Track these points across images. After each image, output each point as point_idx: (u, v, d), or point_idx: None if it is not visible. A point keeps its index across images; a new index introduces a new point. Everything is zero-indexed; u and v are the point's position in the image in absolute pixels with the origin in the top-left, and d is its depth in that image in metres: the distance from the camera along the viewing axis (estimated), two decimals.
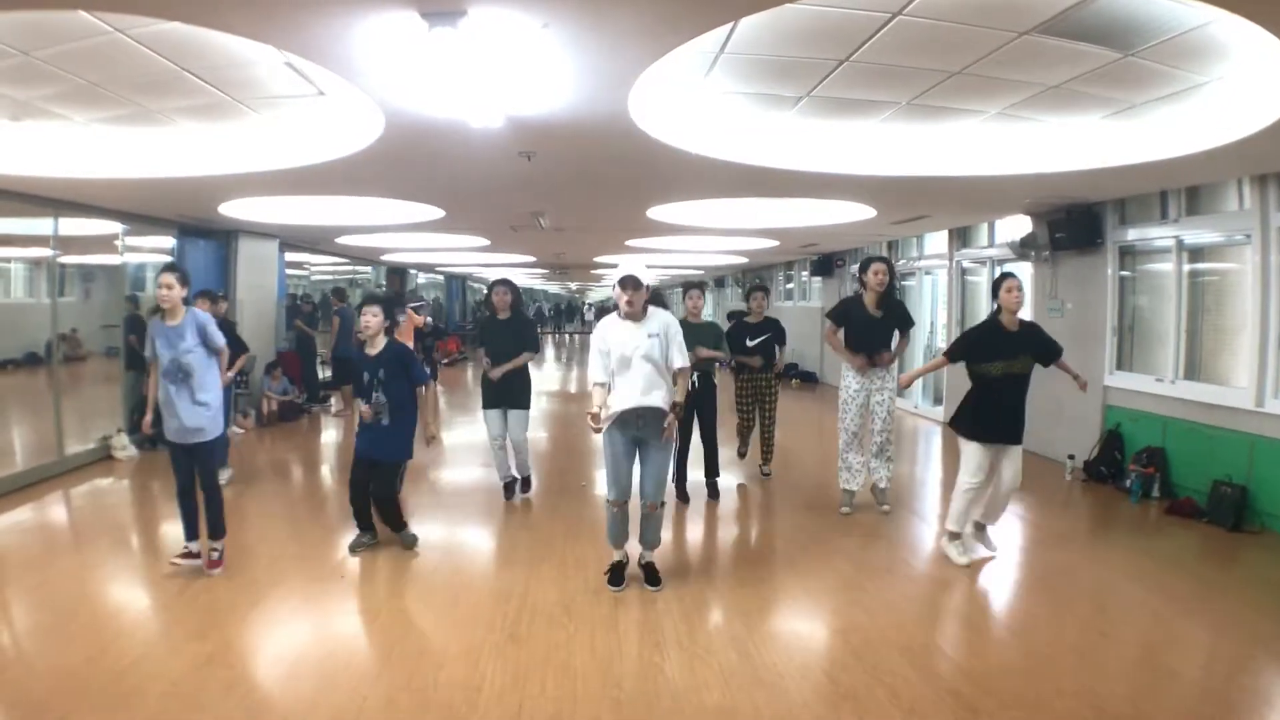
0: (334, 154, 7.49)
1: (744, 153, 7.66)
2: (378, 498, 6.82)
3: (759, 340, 9.35)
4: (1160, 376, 9.24)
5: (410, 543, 6.98)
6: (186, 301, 6.40)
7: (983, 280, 13.47)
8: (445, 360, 9.04)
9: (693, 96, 6.47)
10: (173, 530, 7.82)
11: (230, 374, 6.99)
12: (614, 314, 6.04)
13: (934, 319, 15.64)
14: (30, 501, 8.58)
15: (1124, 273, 10.20)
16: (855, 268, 8.39)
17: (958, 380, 8.16)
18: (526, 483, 8.93)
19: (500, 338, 8.36)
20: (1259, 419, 7.97)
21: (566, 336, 48.90)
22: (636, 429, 5.95)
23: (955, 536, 6.85)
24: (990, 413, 6.63)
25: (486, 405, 8.53)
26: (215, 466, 6.59)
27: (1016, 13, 4.76)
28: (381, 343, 6.75)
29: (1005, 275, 6.75)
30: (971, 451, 6.69)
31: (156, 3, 4.31)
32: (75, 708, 4.36)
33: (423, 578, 6.44)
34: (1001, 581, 6.71)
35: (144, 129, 7.24)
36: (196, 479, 6.39)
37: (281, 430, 13.40)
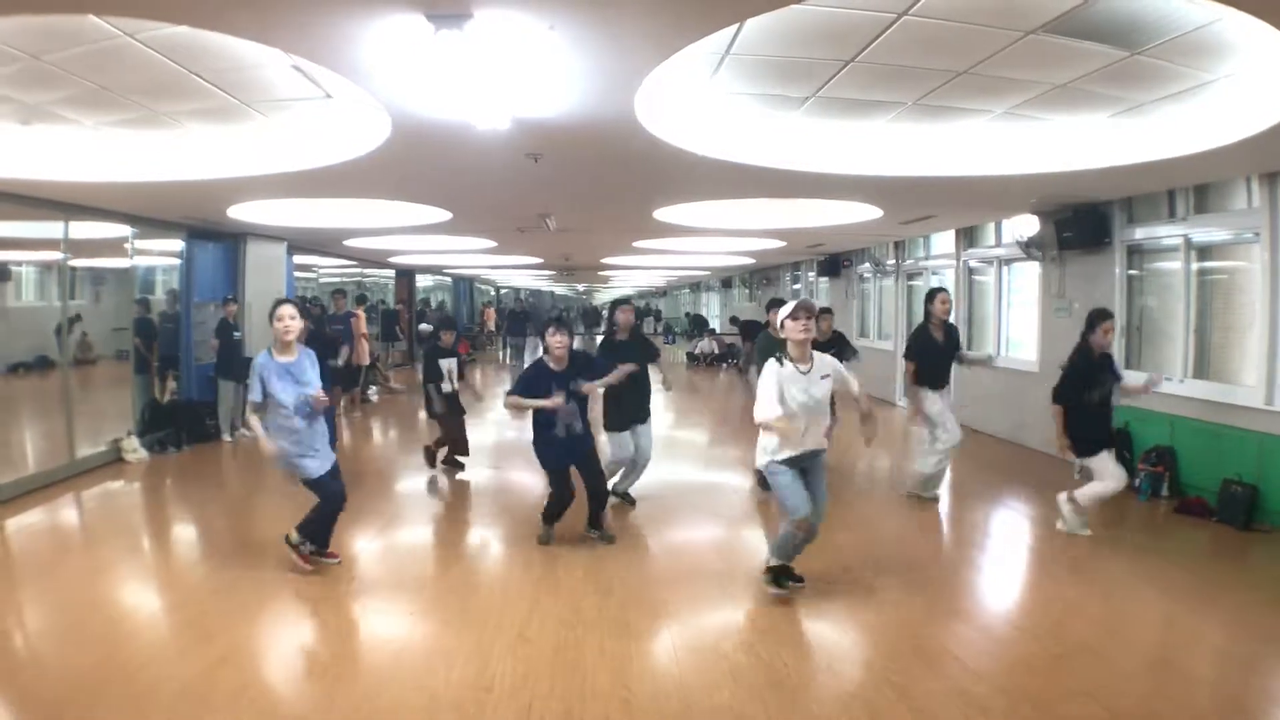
0: (341, 156, 7.50)
1: (751, 154, 7.65)
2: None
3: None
4: (1169, 375, 9.21)
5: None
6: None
7: (990, 280, 13.45)
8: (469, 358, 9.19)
9: (699, 98, 6.48)
10: (184, 532, 7.90)
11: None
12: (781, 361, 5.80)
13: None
14: (42, 504, 8.60)
15: (1132, 272, 10.17)
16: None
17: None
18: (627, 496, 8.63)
19: (625, 360, 7.80)
20: (1269, 418, 7.94)
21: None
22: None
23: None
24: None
25: (615, 428, 8.15)
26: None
27: (1022, 12, 4.76)
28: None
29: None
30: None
31: (165, 6, 4.33)
32: (88, 709, 4.39)
33: (432, 579, 6.45)
34: (1011, 581, 6.71)
35: (152, 132, 7.27)
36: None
37: None
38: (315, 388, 6.17)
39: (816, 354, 5.89)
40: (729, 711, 4.46)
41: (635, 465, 8.31)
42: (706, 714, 4.44)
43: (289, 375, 6.11)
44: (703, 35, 4.70)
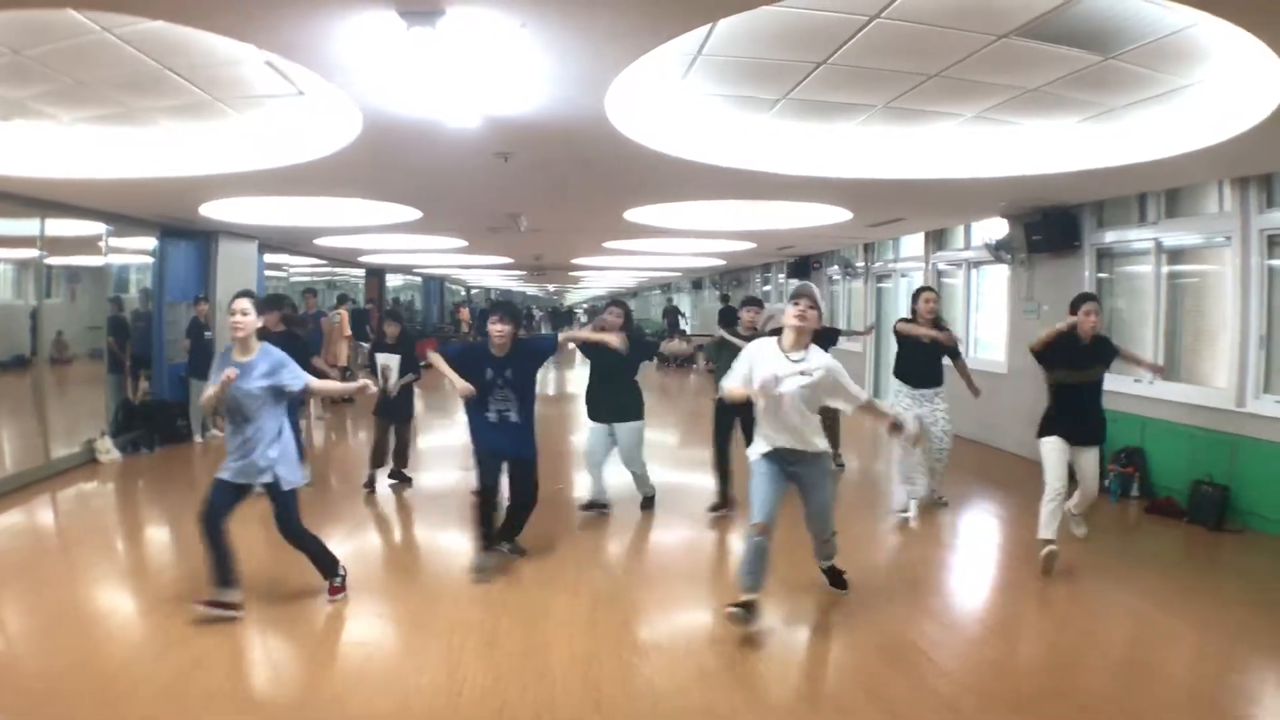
0: (312, 154, 7.45)
1: (722, 155, 7.66)
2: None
3: None
4: (1139, 377, 9.26)
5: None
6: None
7: (959, 282, 13.52)
8: (424, 363, 9.06)
9: (671, 98, 6.48)
10: (158, 534, 7.84)
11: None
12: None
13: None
14: (17, 506, 8.51)
15: (1101, 275, 10.24)
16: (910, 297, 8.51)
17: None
18: (649, 501, 8.36)
19: (614, 359, 7.72)
20: (1240, 419, 8.01)
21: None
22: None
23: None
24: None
25: (590, 417, 8.11)
26: None
27: (995, 16, 4.77)
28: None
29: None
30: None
31: (141, 1, 4.30)
32: (63, 712, 4.35)
33: (401, 582, 6.42)
34: (981, 581, 6.74)
35: (127, 129, 7.22)
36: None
37: None
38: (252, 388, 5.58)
39: (815, 349, 5.47)
40: (700, 712, 4.45)
41: (630, 472, 8.18)
42: (677, 714, 4.44)
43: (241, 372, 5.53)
44: (674, 35, 4.69)
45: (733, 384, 5.48)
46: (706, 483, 8.66)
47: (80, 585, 6.32)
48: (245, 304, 5.63)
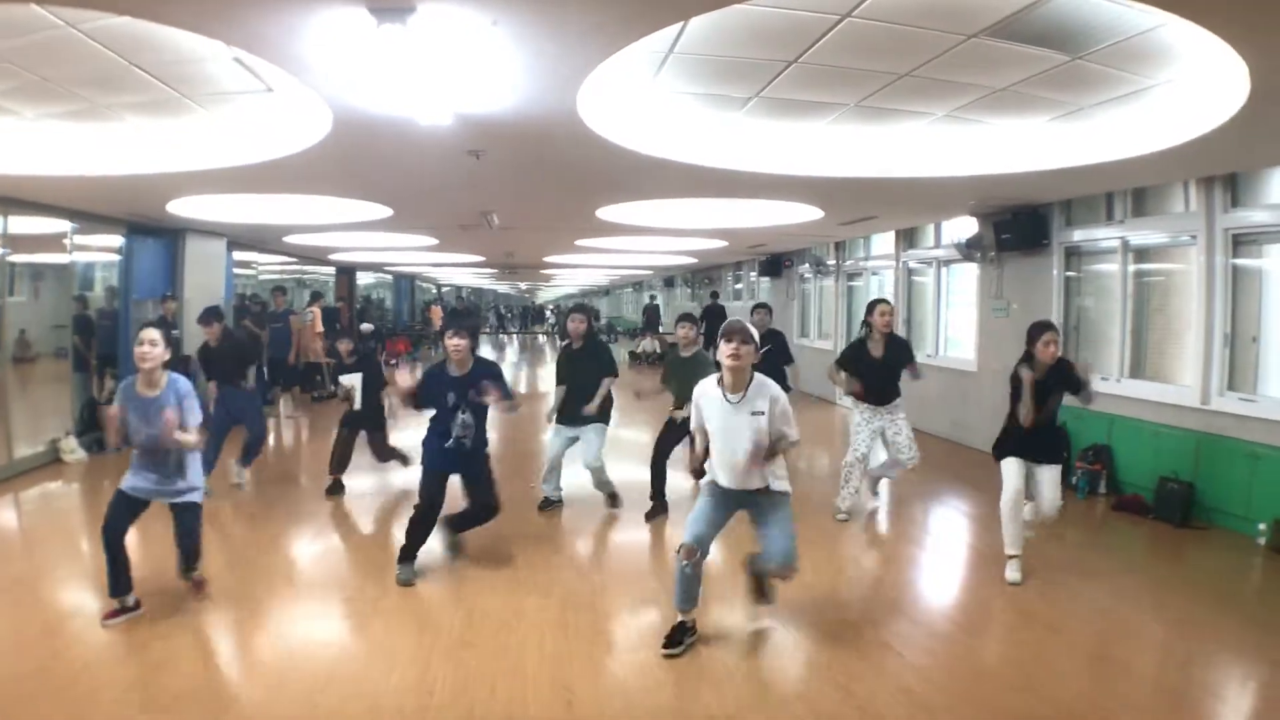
0: (281, 152, 7.40)
1: (694, 153, 7.67)
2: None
3: None
4: (1106, 375, 9.36)
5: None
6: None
7: (929, 281, 13.59)
8: (393, 361, 8.88)
9: (642, 96, 6.47)
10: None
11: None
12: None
13: None
14: None
15: (1070, 273, 10.34)
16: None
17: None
18: (614, 499, 8.34)
19: (580, 369, 7.92)
20: (1205, 416, 8.11)
21: (529, 338, 48.58)
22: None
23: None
24: None
25: (558, 419, 8.09)
26: None
27: (965, 16, 4.79)
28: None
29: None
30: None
31: None
32: (25, 715, 4.29)
33: (371, 582, 6.38)
34: (950, 579, 6.77)
35: (93, 125, 7.13)
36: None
37: (236, 432, 13.21)
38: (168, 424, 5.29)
39: (760, 381, 5.03)
40: (671, 711, 4.46)
41: (591, 470, 8.13)
42: (649, 714, 4.44)
43: (143, 412, 5.41)
44: (646, 33, 4.68)
45: (697, 435, 5.21)
46: (679, 484, 8.68)
47: (44, 586, 6.26)
48: (154, 334, 5.44)
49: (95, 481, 9.61)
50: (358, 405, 8.80)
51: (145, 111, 6.78)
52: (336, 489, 8.97)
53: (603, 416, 8.02)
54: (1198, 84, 5.73)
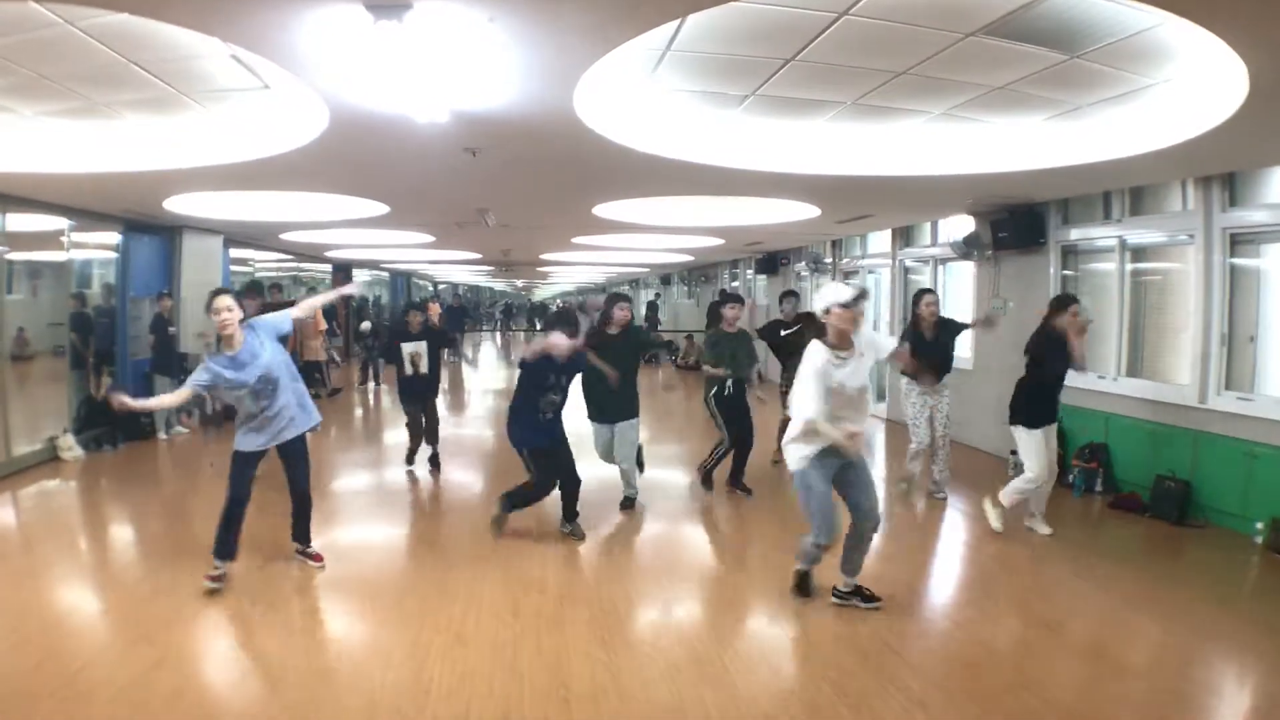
0: (278, 149, 7.38)
1: (691, 151, 7.65)
2: None
3: None
4: (1103, 374, 9.36)
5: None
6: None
7: (925, 279, 13.57)
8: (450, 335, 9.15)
9: (639, 94, 6.46)
10: (121, 532, 7.74)
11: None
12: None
13: (877, 316, 15.75)
14: None
15: (1066, 272, 10.32)
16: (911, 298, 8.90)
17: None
18: (629, 501, 8.35)
19: (618, 355, 7.80)
20: (1202, 415, 8.10)
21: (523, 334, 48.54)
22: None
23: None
24: None
25: (593, 417, 8.13)
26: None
27: (963, 14, 4.79)
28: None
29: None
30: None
31: None
32: (25, 712, 4.29)
33: (367, 580, 6.38)
34: (946, 576, 6.78)
35: (90, 122, 7.12)
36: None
37: (228, 429, 13.20)
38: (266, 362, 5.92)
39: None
40: (667, 708, 4.46)
41: (621, 468, 8.18)
42: (645, 711, 4.44)
43: (239, 364, 5.83)
44: (643, 31, 4.67)
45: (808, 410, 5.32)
46: (677, 479, 8.68)
47: (42, 584, 6.24)
48: (228, 300, 5.83)
49: (93, 479, 9.62)
50: (424, 370, 9.63)
51: (143, 109, 6.77)
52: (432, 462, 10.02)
53: (635, 409, 8.08)
54: (1196, 83, 5.73)
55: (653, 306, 29.68)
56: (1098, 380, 9.33)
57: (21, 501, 8.67)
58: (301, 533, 6.57)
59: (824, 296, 5.36)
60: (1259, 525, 7.32)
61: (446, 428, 11.08)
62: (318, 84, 5.59)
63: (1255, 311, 8.00)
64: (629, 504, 8.27)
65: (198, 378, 5.80)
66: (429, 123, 6.35)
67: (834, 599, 5.83)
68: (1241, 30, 4.42)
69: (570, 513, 7.36)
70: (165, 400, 6.23)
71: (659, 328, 27.62)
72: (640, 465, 8.42)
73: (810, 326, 8.27)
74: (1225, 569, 6.91)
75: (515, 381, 7.28)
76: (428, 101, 5.91)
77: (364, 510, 8.49)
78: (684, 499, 8.79)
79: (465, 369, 10.72)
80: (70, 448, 10.47)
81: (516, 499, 7.21)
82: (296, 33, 4.60)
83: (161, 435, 11.90)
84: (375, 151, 7.56)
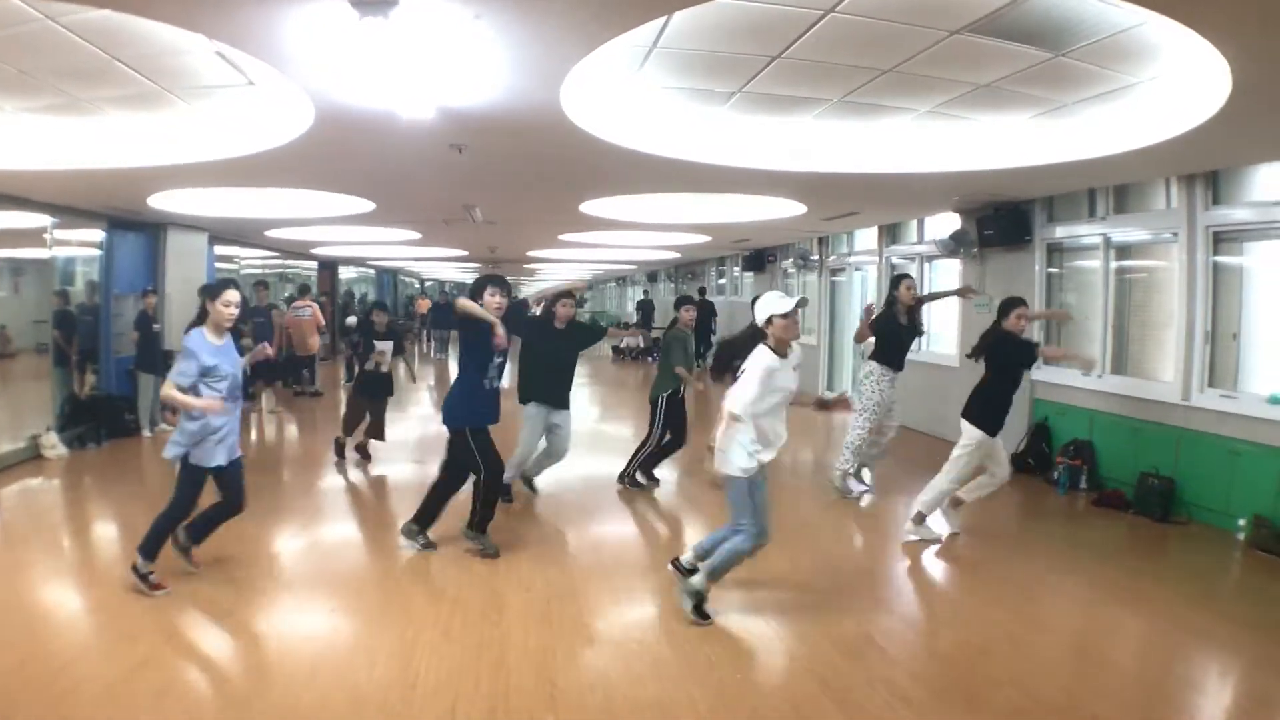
0: (263, 145, 7.37)
1: (677, 148, 7.67)
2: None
3: None
4: (1087, 371, 9.40)
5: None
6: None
7: (912, 276, 13.62)
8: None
9: (626, 91, 6.46)
10: (105, 530, 7.70)
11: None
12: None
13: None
14: None
15: (1052, 269, 10.38)
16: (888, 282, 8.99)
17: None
18: (529, 482, 8.53)
19: (560, 349, 7.97)
20: (1186, 412, 8.15)
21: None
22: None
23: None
24: None
25: (531, 399, 7.96)
26: None
27: (948, 12, 4.80)
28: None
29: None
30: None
31: None
32: (6, 711, 4.26)
33: (353, 577, 6.37)
34: (932, 573, 6.79)
35: (73, 119, 7.09)
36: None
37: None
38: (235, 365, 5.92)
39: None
40: (653, 705, 4.46)
41: (550, 455, 8.20)
42: (631, 707, 4.43)
43: (223, 356, 5.82)
44: (629, 28, 4.68)
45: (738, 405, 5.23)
46: (664, 475, 8.69)
47: (25, 582, 6.20)
48: (238, 295, 5.95)
49: (76, 477, 9.57)
50: (384, 369, 10.05)
51: (126, 105, 6.74)
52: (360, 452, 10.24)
53: (569, 400, 8.13)
54: (1180, 82, 5.75)
55: (648, 305, 29.66)
56: (1082, 377, 9.38)
57: (4, 500, 8.60)
58: (201, 536, 6.20)
59: (764, 306, 5.28)
60: (1241, 522, 7.36)
61: (428, 426, 11.06)
62: (303, 80, 5.58)
63: (1238, 309, 8.04)
64: (530, 485, 8.49)
65: (184, 368, 5.60)
66: (415, 120, 6.33)
67: (670, 566, 5.88)
68: (1224, 29, 4.44)
69: (485, 519, 6.76)
70: (195, 402, 5.65)
71: (653, 325, 27.59)
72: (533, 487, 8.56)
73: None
74: (1208, 566, 6.95)
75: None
76: (413, 98, 5.91)
77: (346, 508, 8.47)
78: (664, 496, 8.80)
79: (402, 373, 10.68)
80: (53, 446, 10.40)
81: (476, 513, 6.73)
82: (281, 29, 4.59)
83: (146, 433, 11.84)
84: (361, 148, 7.55)
